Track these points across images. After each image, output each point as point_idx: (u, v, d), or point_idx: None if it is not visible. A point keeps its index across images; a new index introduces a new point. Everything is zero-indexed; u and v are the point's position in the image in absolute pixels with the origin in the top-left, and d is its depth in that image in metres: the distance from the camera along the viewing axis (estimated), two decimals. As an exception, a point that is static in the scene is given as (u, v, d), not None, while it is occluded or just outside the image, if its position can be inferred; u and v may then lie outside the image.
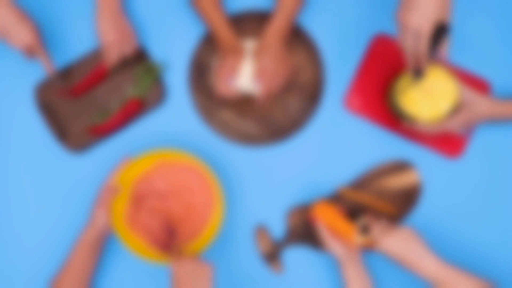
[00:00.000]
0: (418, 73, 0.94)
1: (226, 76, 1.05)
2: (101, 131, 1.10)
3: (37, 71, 1.13)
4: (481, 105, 1.00)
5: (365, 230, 0.98)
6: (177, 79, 1.13)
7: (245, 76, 1.06)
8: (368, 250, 1.06)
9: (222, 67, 1.06)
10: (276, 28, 1.04)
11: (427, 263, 0.92)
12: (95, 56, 1.11)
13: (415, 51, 0.91)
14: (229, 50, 1.06)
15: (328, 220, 1.00)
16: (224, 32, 1.05)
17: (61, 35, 1.13)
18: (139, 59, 1.11)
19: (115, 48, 1.05)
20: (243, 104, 1.12)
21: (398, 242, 0.93)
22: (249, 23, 1.12)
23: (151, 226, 1.05)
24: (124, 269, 1.11)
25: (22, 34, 1.00)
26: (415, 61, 0.93)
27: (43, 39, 1.05)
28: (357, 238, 0.98)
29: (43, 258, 1.11)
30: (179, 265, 0.92)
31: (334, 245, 0.99)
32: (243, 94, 1.08)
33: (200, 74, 1.12)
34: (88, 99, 1.12)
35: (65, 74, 1.11)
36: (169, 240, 1.05)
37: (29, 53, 1.03)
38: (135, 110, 1.10)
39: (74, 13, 1.14)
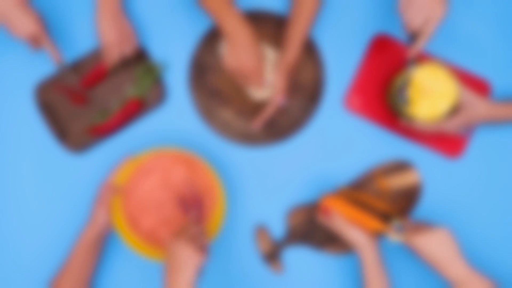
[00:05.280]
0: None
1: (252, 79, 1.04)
2: (101, 131, 1.10)
3: (38, 71, 1.13)
4: (479, 107, 1.00)
5: (400, 229, 0.99)
6: (177, 79, 1.13)
7: (267, 86, 1.08)
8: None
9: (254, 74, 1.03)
10: (303, 34, 1.01)
11: (455, 266, 0.92)
12: (95, 56, 1.11)
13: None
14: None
15: (341, 210, 1.00)
16: (242, 28, 0.98)
17: (60, 35, 1.13)
18: (139, 59, 1.11)
19: (115, 48, 1.04)
20: (243, 103, 1.12)
21: (432, 242, 0.93)
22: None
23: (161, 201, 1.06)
24: (125, 267, 1.11)
25: (26, 23, 0.98)
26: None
27: (47, 29, 1.04)
28: (393, 237, 0.98)
29: (43, 258, 1.11)
30: (174, 243, 0.91)
31: (354, 231, 0.98)
32: (263, 100, 1.10)
33: (200, 74, 1.12)
34: (88, 99, 1.12)
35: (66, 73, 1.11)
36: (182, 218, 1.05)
37: (34, 43, 1.02)
38: (135, 110, 1.10)
39: (73, 13, 1.13)
